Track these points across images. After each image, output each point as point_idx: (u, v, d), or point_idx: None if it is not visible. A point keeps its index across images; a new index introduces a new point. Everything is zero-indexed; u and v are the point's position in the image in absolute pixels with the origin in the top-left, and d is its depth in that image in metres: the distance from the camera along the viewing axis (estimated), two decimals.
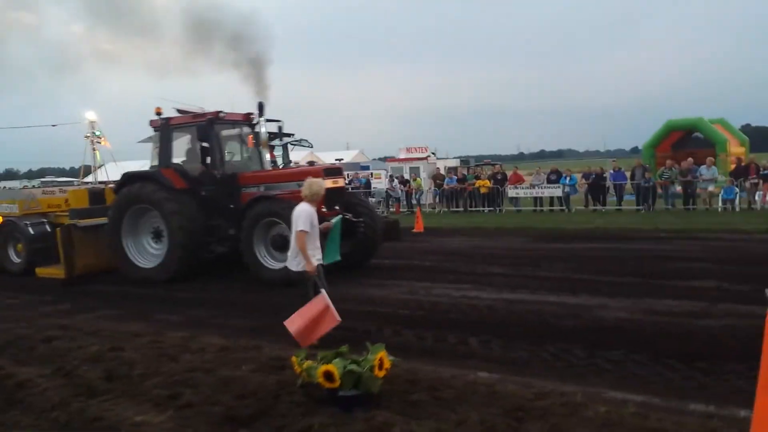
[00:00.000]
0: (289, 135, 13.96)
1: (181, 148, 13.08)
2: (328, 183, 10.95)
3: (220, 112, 12.28)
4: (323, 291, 6.77)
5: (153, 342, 7.19)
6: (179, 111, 12.80)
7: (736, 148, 28.77)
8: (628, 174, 24.12)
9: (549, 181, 24.84)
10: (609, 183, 23.72)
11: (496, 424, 4.40)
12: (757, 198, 20.63)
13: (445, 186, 27.56)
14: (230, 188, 12.16)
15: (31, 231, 13.98)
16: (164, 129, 12.71)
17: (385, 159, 45.65)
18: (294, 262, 7.15)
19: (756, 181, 20.66)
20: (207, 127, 11.98)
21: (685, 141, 31.82)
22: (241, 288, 11.08)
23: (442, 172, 30.03)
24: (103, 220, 12.85)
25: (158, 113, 12.61)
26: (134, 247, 12.60)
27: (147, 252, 12.64)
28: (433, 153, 37.17)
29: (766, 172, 20.64)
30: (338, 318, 6.50)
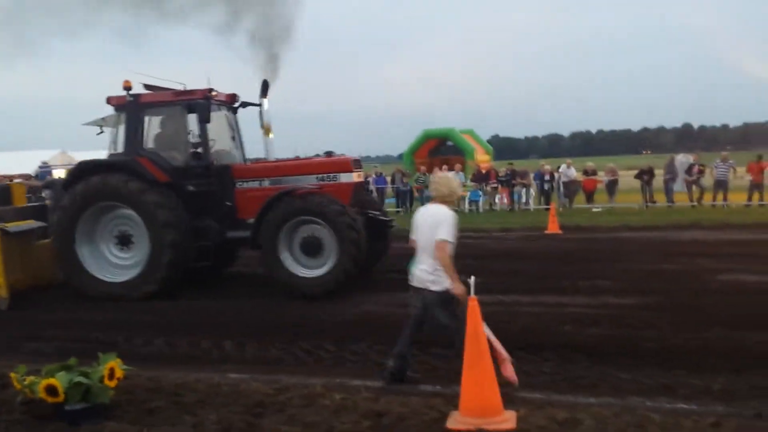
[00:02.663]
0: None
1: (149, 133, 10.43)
2: (355, 177, 9.94)
3: (211, 89, 9.97)
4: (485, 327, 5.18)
5: None
6: (147, 87, 10.37)
7: (482, 156, 31.94)
8: (389, 179, 25.65)
9: None
10: (372, 187, 25.00)
11: (234, 421, 4.47)
12: (496, 200, 23.21)
13: None
14: (221, 182, 9.99)
15: None
16: (133, 108, 9.95)
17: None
18: (430, 279, 5.35)
19: (495, 185, 23.18)
20: (207, 105, 9.68)
21: (440, 149, 34.61)
22: None
23: None
24: (29, 223, 10.12)
25: (127, 88, 9.90)
26: (90, 256, 9.79)
27: (108, 263, 9.90)
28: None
29: (502, 178, 23.25)
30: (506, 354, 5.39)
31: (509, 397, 4.76)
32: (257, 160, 11.34)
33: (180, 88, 10.31)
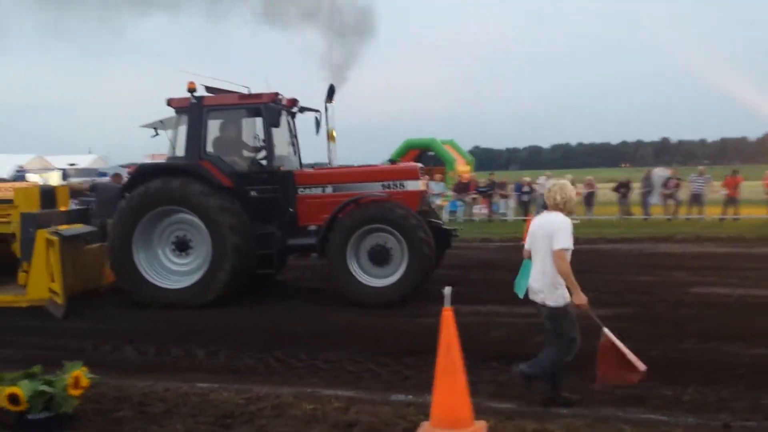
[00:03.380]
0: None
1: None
2: (421, 185, 9.89)
3: (277, 93, 9.74)
4: (606, 329, 5.11)
5: None
6: (208, 89, 10.06)
7: (463, 167, 32.08)
8: None
9: None
10: None
11: None
12: (475, 211, 23.28)
13: None
14: (284, 189, 9.69)
15: None
16: (196, 111, 9.61)
17: (127, 166, 43.01)
18: (549, 292, 5.07)
19: (475, 196, 23.27)
20: (278, 110, 9.53)
21: (421, 159, 34.74)
22: None
23: None
24: (79, 227, 9.82)
25: (191, 90, 9.56)
26: (147, 263, 9.47)
27: (165, 269, 9.55)
28: None
29: (482, 188, 23.35)
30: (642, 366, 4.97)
31: (480, 407, 4.73)
32: (314, 166, 11.27)
33: (243, 91, 10.10)
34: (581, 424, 4.37)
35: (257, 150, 9.92)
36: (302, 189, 9.73)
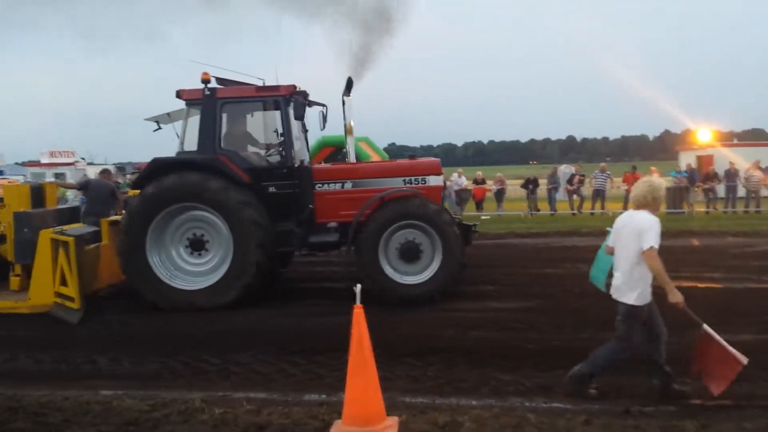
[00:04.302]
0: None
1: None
2: (442, 180, 9.62)
3: (295, 86, 9.28)
4: (705, 326, 5.04)
5: None
6: (219, 81, 9.48)
7: None
8: None
9: None
10: None
11: None
12: None
13: None
14: (301, 184, 9.24)
15: None
16: (210, 103, 9.10)
17: (24, 164, 40.85)
18: (628, 291, 4.97)
19: None
20: (303, 103, 9.14)
21: (336, 156, 34.66)
22: None
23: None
24: (80, 227, 9.15)
25: (205, 81, 9.08)
26: (161, 263, 8.87)
27: (179, 270, 8.97)
28: (82, 158, 34.36)
29: None
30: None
31: (393, 402, 4.75)
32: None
33: (257, 83, 9.60)
34: (489, 414, 4.46)
35: (274, 144, 9.58)
36: (320, 185, 9.38)
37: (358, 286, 4.67)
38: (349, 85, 9.82)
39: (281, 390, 5.56)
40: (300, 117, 9.30)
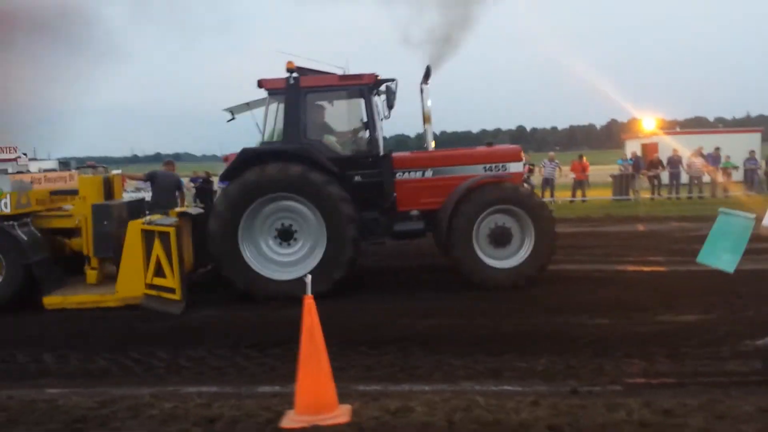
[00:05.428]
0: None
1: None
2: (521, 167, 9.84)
3: (377, 74, 9.21)
4: None
5: None
6: (298, 70, 9.19)
7: None
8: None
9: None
10: (217, 187, 24.23)
11: None
12: None
13: None
14: (383, 173, 9.24)
15: (25, 238, 8.73)
16: (294, 93, 9.00)
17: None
18: None
19: None
20: (394, 91, 9.10)
21: None
22: None
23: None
24: (165, 218, 8.95)
25: (291, 70, 8.96)
26: (251, 252, 8.75)
27: (268, 260, 8.84)
28: (24, 154, 33.17)
29: None
30: None
31: (347, 391, 4.77)
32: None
33: (337, 72, 9.54)
34: (440, 399, 4.51)
35: (357, 132, 9.60)
36: (401, 173, 9.41)
37: (308, 276, 4.69)
38: (428, 73, 9.81)
39: (234, 383, 5.53)
40: (392, 106, 9.26)
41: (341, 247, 8.62)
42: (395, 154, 9.72)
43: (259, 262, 8.83)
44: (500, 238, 8.88)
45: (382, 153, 9.39)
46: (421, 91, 9.93)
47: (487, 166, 9.53)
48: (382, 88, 9.40)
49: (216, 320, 7.78)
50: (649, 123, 27.97)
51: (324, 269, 8.54)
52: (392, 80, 9.39)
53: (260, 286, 8.67)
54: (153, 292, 8.35)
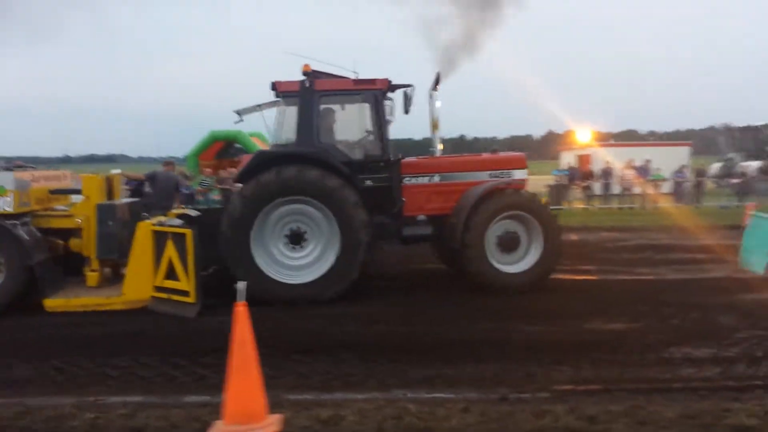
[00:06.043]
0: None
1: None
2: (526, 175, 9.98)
3: (389, 80, 9.26)
4: None
5: None
6: (314, 73, 9.16)
7: None
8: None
9: None
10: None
11: None
12: None
13: None
14: (392, 178, 9.28)
15: (27, 238, 8.33)
16: (308, 96, 8.98)
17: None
18: None
19: None
20: (411, 96, 9.28)
21: (228, 151, 33.86)
22: None
23: None
24: (172, 219, 8.88)
25: (307, 73, 8.99)
26: (263, 257, 8.63)
27: (278, 264, 8.76)
28: None
29: None
30: None
31: (279, 400, 4.70)
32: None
33: (351, 76, 9.48)
34: (372, 407, 4.50)
35: (368, 137, 9.58)
36: (408, 178, 9.47)
37: (242, 284, 4.59)
38: (437, 80, 9.88)
39: (161, 393, 5.36)
40: (408, 111, 9.44)
41: (355, 251, 8.66)
42: (404, 160, 9.74)
43: (269, 266, 8.77)
44: (509, 244, 9.06)
45: (392, 158, 9.45)
46: (430, 97, 10.06)
47: (493, 172, 9.70)
48: (397, 93, 9.55)
49: (144, 329, 7.50)
50: (584, 135, 28.79)
51: (337, 273, 8.64)
52: (409, 86, 9.48)
53: (273, 291, 8.54)
54: (163, 295, 8.15)
